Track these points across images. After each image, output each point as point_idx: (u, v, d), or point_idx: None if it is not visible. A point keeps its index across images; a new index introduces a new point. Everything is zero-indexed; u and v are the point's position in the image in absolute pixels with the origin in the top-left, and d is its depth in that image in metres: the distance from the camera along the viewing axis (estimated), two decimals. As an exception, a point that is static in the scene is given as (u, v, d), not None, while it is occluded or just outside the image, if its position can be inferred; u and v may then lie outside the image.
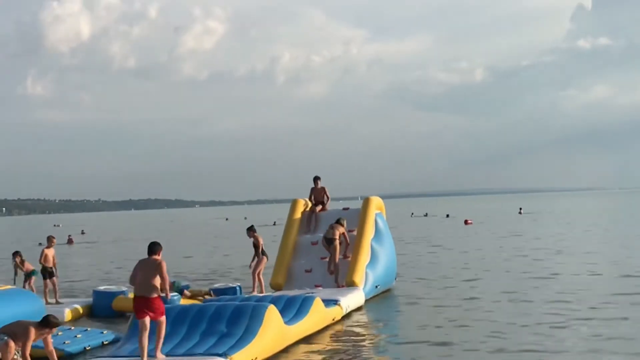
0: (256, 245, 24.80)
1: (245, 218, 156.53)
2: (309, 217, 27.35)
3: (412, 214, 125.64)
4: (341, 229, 24.93)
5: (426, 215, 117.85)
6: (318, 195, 27.82)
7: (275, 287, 24.95)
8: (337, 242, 24.64)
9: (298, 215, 27.30)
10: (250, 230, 25.17)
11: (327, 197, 27.85)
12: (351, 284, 23.82)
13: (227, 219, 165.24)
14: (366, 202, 26.98)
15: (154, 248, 14.08)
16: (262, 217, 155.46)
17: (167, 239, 71.82)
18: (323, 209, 27.80)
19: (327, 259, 25.04)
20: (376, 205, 27.01)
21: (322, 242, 25.08)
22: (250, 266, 25.28)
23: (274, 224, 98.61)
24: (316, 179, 27.78)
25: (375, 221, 26.36)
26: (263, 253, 24.90)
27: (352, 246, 25.25)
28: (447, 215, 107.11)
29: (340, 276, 24.34)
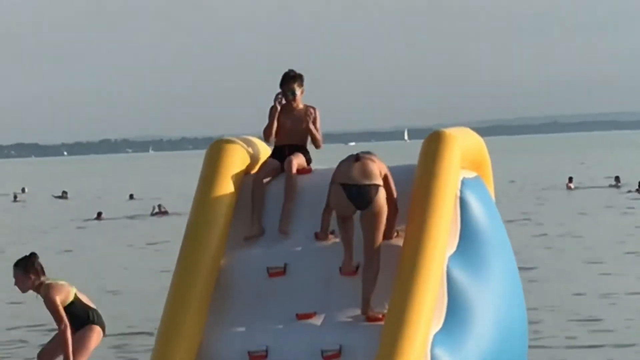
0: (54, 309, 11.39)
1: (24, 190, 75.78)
2: (258, 192, 10.35)
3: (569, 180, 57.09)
4: (380, 165, 9.72)
5: (617, 183, 55.00)
6: (290, 127, 10.73)
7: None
8: (381, 200, 9.46)
9: (227, 188, 10.27)
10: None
11: (316, 137, 10.51)
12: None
13: None
14: (432, 143, 10.12)
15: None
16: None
17: None
18: (303, 170, 10.47)
19: (311, 316, 9.41)
20: (464, 153, 10.29)
21: (324, 213, 9.78)
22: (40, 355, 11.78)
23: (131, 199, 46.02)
24: (291, 78, 10.41)
25: (462, 204, 10.12)
26: (89, 318, 11.34)
27: (387, 273, 9.54)
28: (617, 181, 55.27)
29: (374, 292, 9.48)
